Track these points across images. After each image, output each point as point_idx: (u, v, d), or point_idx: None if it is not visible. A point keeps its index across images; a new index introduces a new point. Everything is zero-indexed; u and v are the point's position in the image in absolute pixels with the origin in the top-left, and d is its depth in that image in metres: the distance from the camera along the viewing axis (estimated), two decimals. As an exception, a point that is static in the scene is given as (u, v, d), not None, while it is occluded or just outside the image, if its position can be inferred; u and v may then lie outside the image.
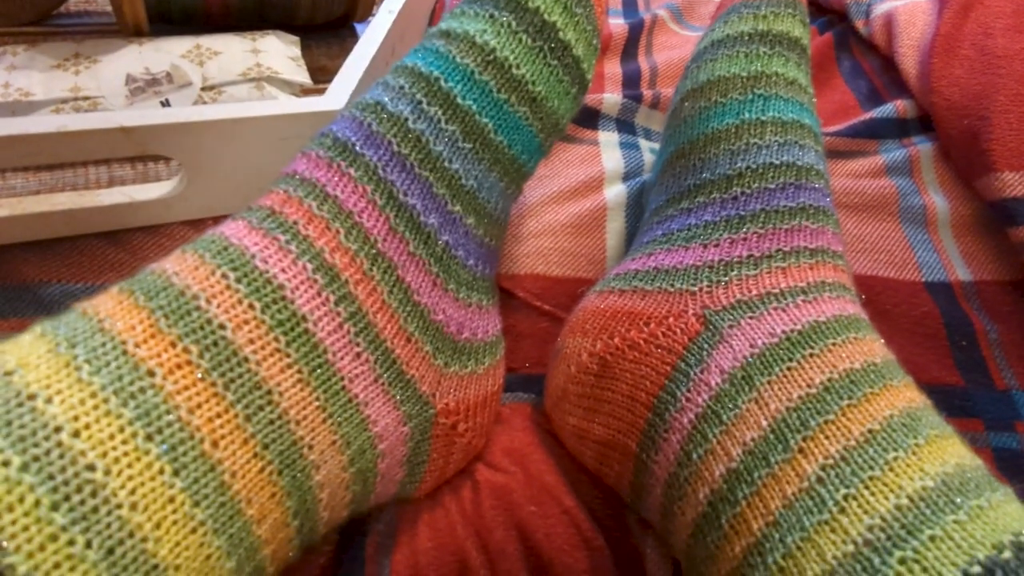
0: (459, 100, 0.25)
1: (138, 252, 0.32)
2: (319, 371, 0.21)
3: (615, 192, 0.39)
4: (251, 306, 0.20)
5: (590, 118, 0.44)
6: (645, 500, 0.26)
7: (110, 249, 0.32)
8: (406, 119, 0.25)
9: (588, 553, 0.28)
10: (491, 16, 0.27)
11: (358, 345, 0.22)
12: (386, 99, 0.25)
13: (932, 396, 0.33)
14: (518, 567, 0.27)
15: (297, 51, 0.40)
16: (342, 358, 0.21)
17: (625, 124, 0.44)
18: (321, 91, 0.40)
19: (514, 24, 0.27)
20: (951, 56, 0.40)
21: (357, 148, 0.24)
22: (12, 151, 0.26)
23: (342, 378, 0.21)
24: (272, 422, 0.19)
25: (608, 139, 0.43)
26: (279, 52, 0.38)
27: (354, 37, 0.47)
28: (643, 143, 0.43)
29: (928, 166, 0.40)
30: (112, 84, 0.34)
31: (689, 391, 0.25)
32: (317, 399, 0.20)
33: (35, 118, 0.26)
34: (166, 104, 0.34)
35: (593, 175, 0.40)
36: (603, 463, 0.29)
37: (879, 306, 0.36)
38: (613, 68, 0.48)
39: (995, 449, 0.32)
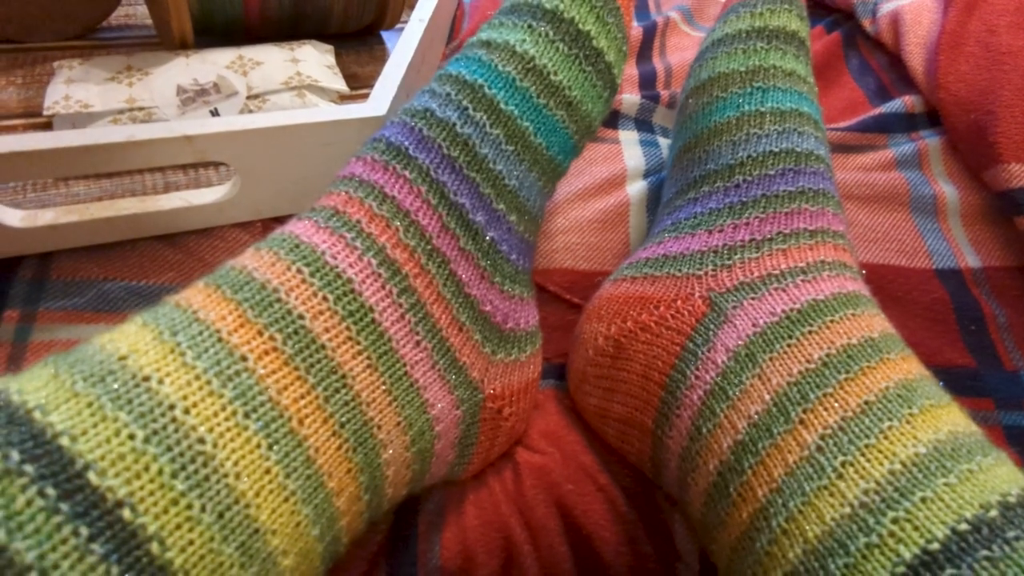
0: (502, 106, 0.27)
1: (194, 252, 0.35)
2: (385, 357, 0.22)
3: (637, 188, 0.41)
4: (325, 298, 0.22)
5: (611, 118, 0.45)
6: (664, 474, 0.28)
7: (167, 250, 0.34)
8: (454, 124, 0.26)
9: (623, 527, 0.29)
10: (529, 26, 0.29)
11: (418, 334, 0.24)
12: (434, 106, 0.27)
13: (945, 377, 0.34)
14: (559, 541, 0.29)
15: (332, 59, 0.43)
16: (404, 345, 0.23)
17: (644, 123, 0.46)
18: (358, 97, 0.43)
19: (551, 34, 0.29)
20: (957, 53, 0.41)
21: (410, 152, 0.26)
22: (84, 161, 0.29)
23: (405, 364, 0.23)
24: (347, 403, 0.21)
25: (629, 138, 0.45)
26: (316, 61, 0.41)
27: (382, 45, 0.50)
28: (661, 141, 0.45)
29: (936, 158, 0.41)
30: (164, 95, 0.37)
31: (698, 369, 0.26)
32: (384, 383, 0.22)
33: (105, 129, 0.29)
34: (215, 113, 0.37)
35: (616, 172, 0.42)
36: (624, 440, 0.31)
37: (892, 293, 0.37)
38: (630, 70, 0.50)
39: (1005, 427, 0.33)
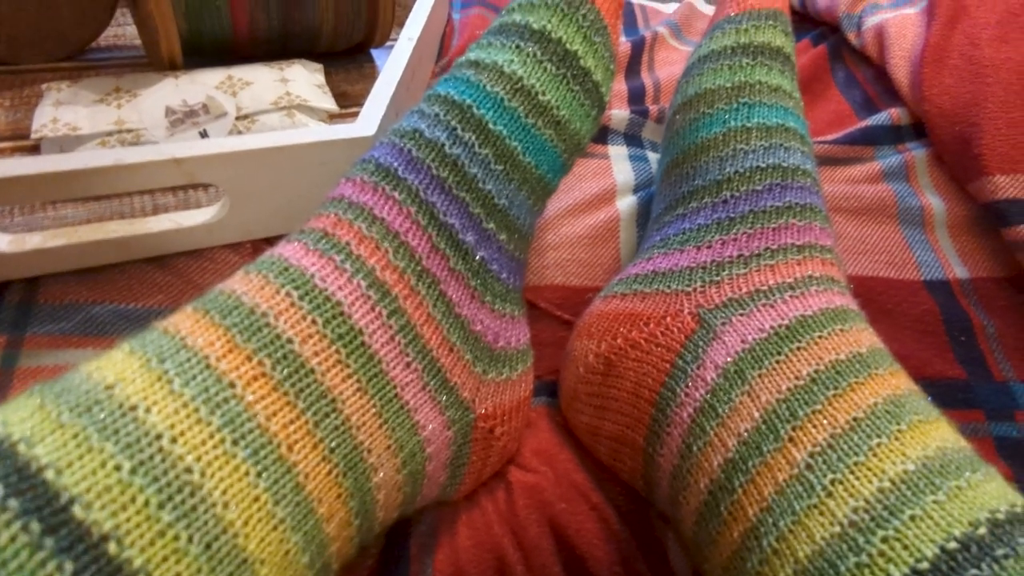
0: (491, 126, 0.27)
1: (183, 274, 0.34)
2: (375, 380, 0.22)
3: (626, 203, 0.41)
4: (314, 321, 0.21)
5: (601, 133, 0.46)
6: (656, 492, 0.28)
7: (157, 272, 0.34)
8: (443, 144, 0.27)
9: (616, 546, 0.29)
10: (517, 47, 0.29)
11: (408, 355, 0.24)
12: (423, 126, 0.27)
13: (935, 389, 0.35)
14: (552, 561, 0.29)
15: (322, 78, 0.43)
16: (394, 367, 0.23)
17: (633, 138, 0.46)
18: (348, 116, 0.43)
19: (539, 54, 0.29)
20: (941, 66, 0.41)
21: (399, 173, 0.26)
22: (72, 185, 0.29)
23: (395, 386, 0.23)
24: (337, 428, 0.21)
25: (618, 153, 0.45)
26: (306, 80, 0.41)
27: (371, 63, 0.50)
28: (651, 155, 0.45)
29: (923, 170, 0.42)
30: (153, 116, 0.37)
31: (687, 387, 0.26)
32: (374, 406, 0.22)
33: (92, 153, 0.29)
34: (204, 134, 0.37)
35: (605, 188, 0.42)
36: (616, 459, 0.31)
37: (881, 305, 0.38)
38: (618, 85, 0.50)
39: (996, 438, 0.33)
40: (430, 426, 0.25)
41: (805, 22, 0.56)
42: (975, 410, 0.34)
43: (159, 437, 0.17)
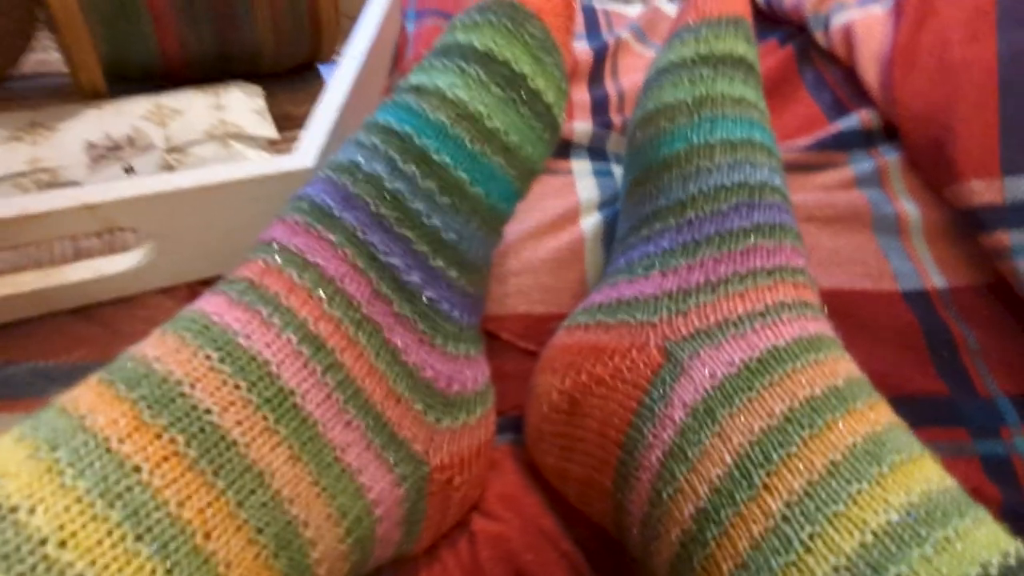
0: (434, 156, 0.25)
1: (110, 324, 0.32)
2: (310, 445, 0.20)
3: (592, 222, 0.39)
4: (236, 386, 0.20)
5: (562, 148, 0.44)
6: (628, 538, 0.26)
7: (80, 324, 0.32)
8: (382, 178, 0.25)
9: (587, 595, 0.28)
10: (460, 69, 0.27)
11: (348, 413, 0.22)
12: (360, 159, 0.25)
13: (917, 407, 0.33)
14: (519, 616, 0.27)
15: (262, 102, 0.41)
16: (332, 428, 0.21)
17: (597, 152, 0.44)
18: (289, 142, 0.41)
19: (483, 76, 0.27)
20: (911, 67, 0.40)
21: (335, 212, 0.24)
22: (-27, 236, 0.27)
23: (334, 448, 0.21)
24: (264, 504, 0.19)
25: (581, 168, 0.43)
26: (243, 106, 0.38)
27: (319, 80, 0.48)
28: (616, 170, 0.43)
29: (897, 175, 0.40)
30: (72, 153, 0.34)
31: (655, 427, 0.25)
32: (310, 474, 0.20)
33: (-5, 201, 0.27)
34: (130, 170, 0.34)
35: (569, 206, 0.40)
36: (585, 502, 0.29)
37: (858, 319, 0.36)
38: (581, 94, 0.49)
39: (982, 457, 0.32)
40: (377, 487, 0.23)
41: (771, 21, 0.54)
42: (959, 428, 0.33)
43: (43, 542, 0.15)
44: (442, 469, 0.26)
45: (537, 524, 0.29)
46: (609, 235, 0.38)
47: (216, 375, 0.20)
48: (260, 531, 0.19)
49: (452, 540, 0.29)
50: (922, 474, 0.21)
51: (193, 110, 0.37)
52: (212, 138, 0.36)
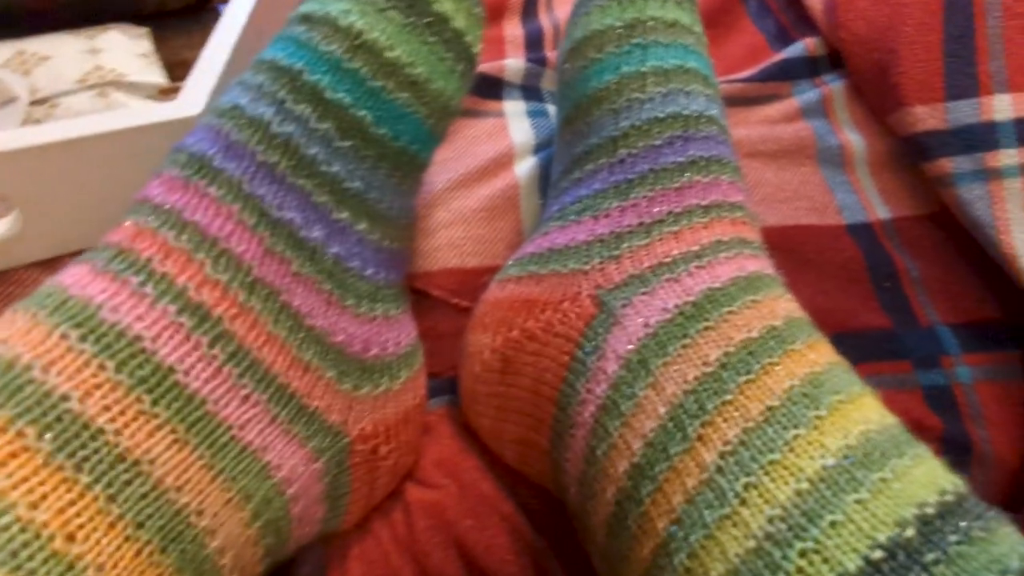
0: (328, 94, 0.23)
1: (-23, 303, 0.29)
2: (198, 426, 0.19)
3: (527, 167, 0.37)
4: (102, 367, 0.18)
5: (493, 88, 0.41)
6: (567, 498, 0.25)
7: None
8: (269, 122, 0.22)
9: (530, 558, 0.27)
10: None
11: (244, 387, 0.20)
12: (244, 101, 0.23)
13: (862, 342, 0.33)
14: (461, 585, 0.26)
15: (148, 45, 0.36)
16: (226, 405, 0.19)
17: (531, 91, 0.42)
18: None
19: (381, 1, 0.24)
20: (854, -13, 0.38)
21: (216, 162, 0.22)
22: None
23: (229, 427, 0.19)
24: (144, 496, 0.17)
25: (515, 109, 0.40)
26: (124, 49, 0.34)
27: (219, 21, 0.43)
28: (551, 109, 0.40)
29: (841, 104, 0.39)
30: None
31: (588, 382, 0.23)
32: (201, 458, 0.18)
33: None
34: (-9, 127, 0.30)
35: (501, 151, 0.38)
36: (524, 462, 0.28)
37: (804, 255, 0.35)
38: (514, 29, 0.45)
39: (924, 388, 0.32)
40: (288, 464, 0.21)
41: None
42: (902, 360, 0.32)
43: None
44: (365, 439, 0.24)
45: (476, 489, 0.28)
46: (546, 180, 0.36)
47: (76, 356, 0.18)
48: (141, 525, 0.17)
49: (385, 512, 0.27)
50: (861, 414, 0.20)
51: (63, 56, 0.32)
52: (86, 87, 0.31)
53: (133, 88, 0.33)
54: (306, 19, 0.24)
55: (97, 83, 0.32)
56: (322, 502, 0.23)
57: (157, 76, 0.35)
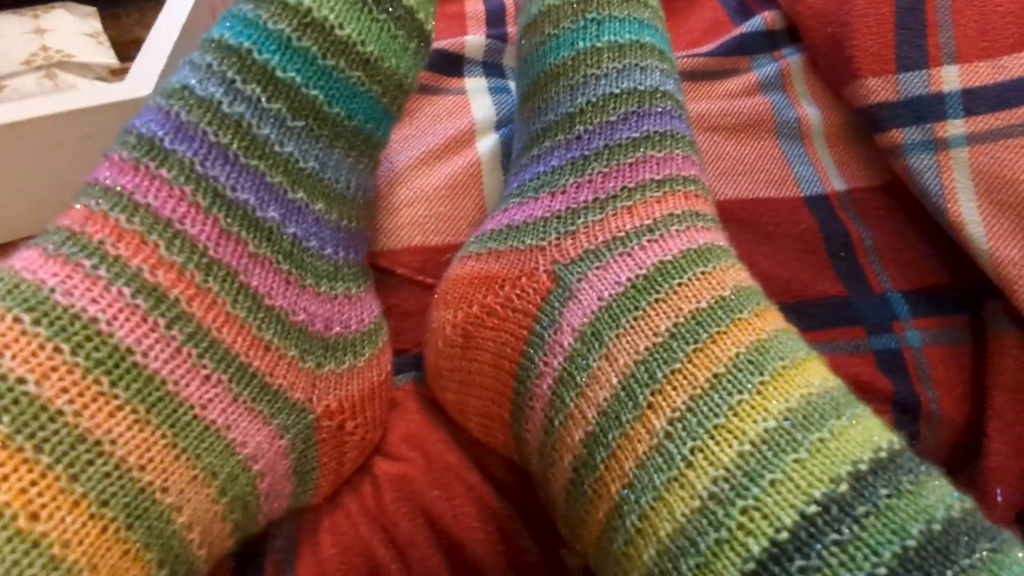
0: (279, 73, 0.23)
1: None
2: (160, 405, 0.19)
3: (489, 143, 0.37)
4: (57, 349, 0.18)
5: (454, 64, 0.41)
6: (530, 467, 0.26)
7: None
8: (219, 103, 0.22)
9: (497, 525, 0.27)
10: None
11: (205, 367, 0.20)
12: (193, 81, 0.22)
13: (818, 310, 0.34)
14: (430, 554, 0.27)
15: (97, 25, 0.35)
16: (187, 385, 0.20)
17: (493, 67, 0.41)
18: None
19: None
20: (809, -41, 0.38)
21: (166, 144, 0.21)
22: None
23: (192, 407, 0.20)
24: (107, 475, 0.17)
25: (476, 85, 0.40)
26: (71, 29, 0.33)
27: None
28: (513, 85, 0.40)
29: (799, 78, 0.39)
30: None
31: (545, 355, 0.24)
32: (163, 436, 0.19)
33: None
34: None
35: (463, 128, 0.37)
36: (488, 434, 0.28)
37: (763, 228, 0.36)
38: (474, 5, 0.45)
39: (876, 352, 0.33)
40: (253, 441, 0.22)
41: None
42: (856, 326, 0.33)
43: None
44: (331, 415, 0.25)
45: (442, 460, 0.28)
46: (508, 156, 0.36)
47: (29, 339, 0.18)
48: (105, 504, 0.17)
49: (354, 485, 0.28)
50: (803, 378, 0.20)
51: (7, 35, 0.31)
52: (33, 68, 0.31)
53: (83, 69, 0.32)
54: None
55: (44, 64, 0.31)
56: (290, 477, 0.24)
57: (107, 56, 0.34)
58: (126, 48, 0.36)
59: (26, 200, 0.28)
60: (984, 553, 0.16)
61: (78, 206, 0.21)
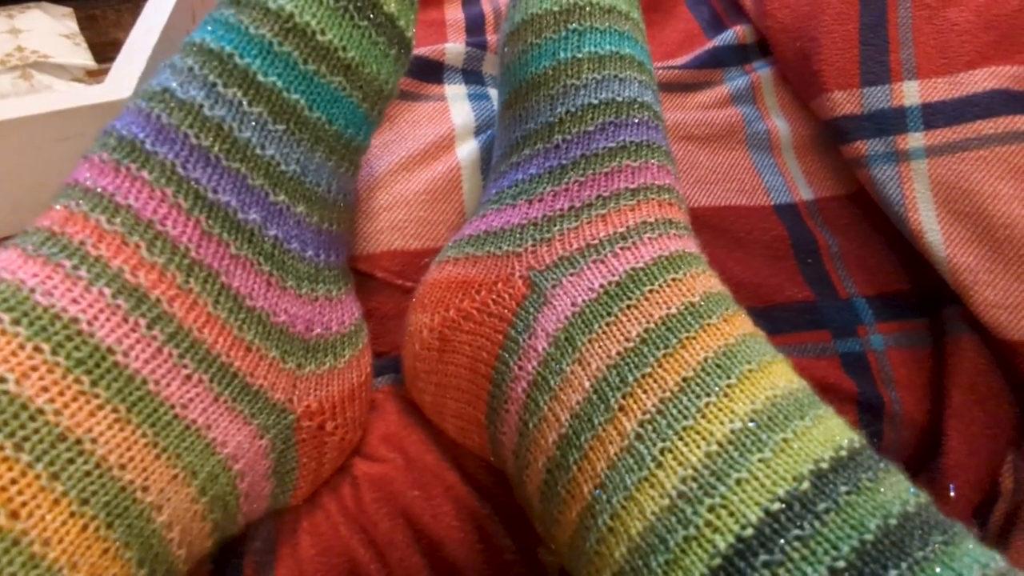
0: (260, 77, 0.23)
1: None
2: (140, 405, 0.19)
3: (468, 149, 0.37)
4: (37, 349, 0.18)
5: (434, 71, 0.41)
6: (506, 469, 0.26)
7: None
8: (200, 106, 0.22)
9: (474, 525, 0.28)
10: None
11: (186, 367, 0.20)
12: (175, 84, 0.23)
13: (786, 314, 0.35)
14: (409, 553, 0.27)
15: (73, 26, 0.35)
16: (167, 385, 0.20)
17: (472, 74, 0.42)
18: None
19: None
20: (779, -24, 0.40)
21: (147, 146, 0.22)
22: None
23: (172, 406, 0.20)
24: (88, 474, 0.17)
25: (455, 92, 0.41)
26: (47, 29, 0.33)
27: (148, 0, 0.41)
28: (492, 93, 0.41)
29: (769, 90, 0.41)
30: None
31: (520, 359, 0.24)
32: (144, 436, 0.19)
33: None
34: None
35: (443, 133, 0.38)
36: (464, 436, 0.29)
37: (734, 235, 0.37)
38: (455, 13, 0.46)
39: (842, 355, 0.34)
40: (233, 441, 0.22)
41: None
42: (823, 330, 0.34)
43: None
44: (311, 416, 0.25)
45: (421, 461, 0.29)
46: (487, 162, 0.37)
47: (9, 339, 0.18)
48: (85, 502, 0.17)
49: (334, 486, 0.28)
50: (769, 381, 0.21)
51: (-19, 37, 0.31)
52: (8, 69, 0.30)
53: (59, 70, 0.32)
54: (235, 2, 0.24)
55: (19, 64, 0.31)
56: (270, 478, 0.24)
57: (83, 57, 0.34)
58: (103, 49, 0.35)
59: (4, 201, 0.28)
60: (936, 545, 0.17)
61: (58, 207, 0.21)
